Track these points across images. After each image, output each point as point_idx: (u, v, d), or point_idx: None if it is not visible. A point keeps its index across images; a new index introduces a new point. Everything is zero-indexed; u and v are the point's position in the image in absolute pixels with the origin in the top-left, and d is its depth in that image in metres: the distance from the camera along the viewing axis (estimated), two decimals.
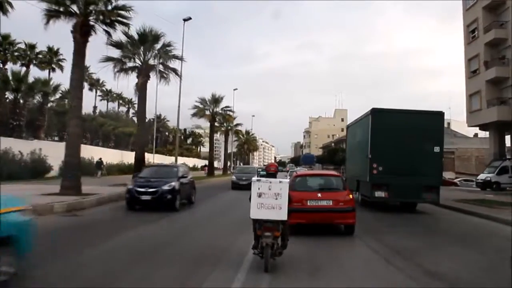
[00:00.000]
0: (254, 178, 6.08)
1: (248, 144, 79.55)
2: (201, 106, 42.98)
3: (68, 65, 50.86)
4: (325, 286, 5.31)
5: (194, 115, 42.16)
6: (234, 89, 53.29)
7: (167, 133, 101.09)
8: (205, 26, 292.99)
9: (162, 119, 77.88)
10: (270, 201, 5.79)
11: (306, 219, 8.72)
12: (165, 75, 23.81)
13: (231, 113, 45.94)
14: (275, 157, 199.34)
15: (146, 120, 41.18)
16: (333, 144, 75.66)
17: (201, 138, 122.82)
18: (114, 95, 65.47)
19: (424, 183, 13.57)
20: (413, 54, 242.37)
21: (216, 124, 56.16)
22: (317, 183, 9.87)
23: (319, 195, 9.00)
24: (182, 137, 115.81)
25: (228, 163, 58.35)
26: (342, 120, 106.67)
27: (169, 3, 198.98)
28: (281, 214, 5.79)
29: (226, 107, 45.36)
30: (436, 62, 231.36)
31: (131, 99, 69.98)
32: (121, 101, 68.35)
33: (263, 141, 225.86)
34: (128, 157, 39.79)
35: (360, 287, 5.34)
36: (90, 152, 37.29)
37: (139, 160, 22.73)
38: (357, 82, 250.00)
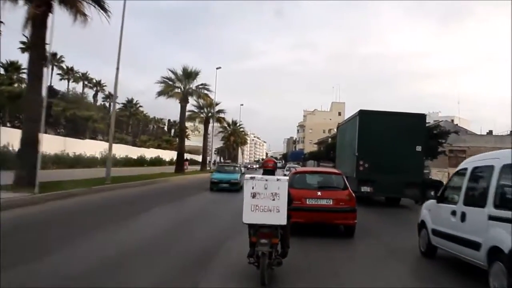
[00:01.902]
0: (248, 176, 5.21)
1: (234, 136, 69.41)
2: (169, 82, 33.32)
3: None
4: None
5: (160, 94, 32.60)
6: (217, 68, 43.54)
7: (151, 125, 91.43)
8: (201, 24, 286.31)
9: (134, 104, 67.07)
10: (266, 202, 5.03)
11: (305, 218, 8.14)
12: (79, 6, 13.94)
13: (207, 92, 35.95)
14: (266, 153, 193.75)
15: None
16: (330, 139, 66.52)
17: (187, 130, 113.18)
18: (78, 74, 55.08)
19: (406, 180, 14.49)
20: (412, 55, 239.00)
21: (194, 109, 46.65)
22: (317, 180, 9.40)
23: (319, 193, 8.58)
24: (166, 128, 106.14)
25: (210, 158, 48.77)
26: (340, 114, 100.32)
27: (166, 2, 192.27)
28: (280, 218, 5.04)
29: (202, 84, 35.53)
30: (437, 63, 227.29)
31: (100, 80, 59.82)
32: (87, 82, 57.95)
33: (254, 137, 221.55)
34: (76, 146, 30.38)
35: (361, 287, 5.36)
36: (12, 137, 27.23)
37: (28, 142, 12.97)
38: (353, 82, 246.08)
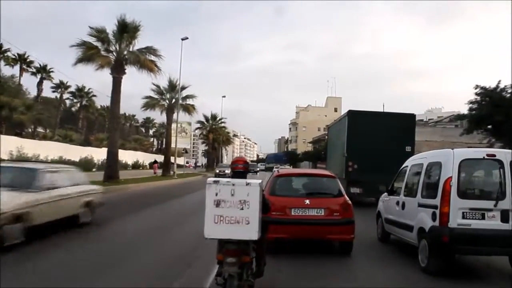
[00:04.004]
0: (211, 179, 4.33)
1: (214, 134, 57.18)
2: (93, 43, 21.40)
3: None
4: None
5: (79, 61, 20.75)
6: (183, 39, 34.30)
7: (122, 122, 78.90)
8: (191, 24, 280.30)
9: (86, 93, 53.92)
10: (233, 212, 4.11)
11: (289, 233, 6.98)
12: None
13: (154, 59, 23.87)
14: (257, 155, 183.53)
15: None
16: (327, 136, 55.04)
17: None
18: (11, 55, 42.50)
19: None
20: (407, 54, 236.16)
21: (153, 95, 34.94)
22: (305, 185, 7.96)
23: (307, 201, 7.16)
24: (143, 129, 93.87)
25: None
26: (336, 110, 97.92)
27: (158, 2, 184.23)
28: (250, 231, 4.13)
29: (146, 48, 23.49)
30: (427, 62, 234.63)
31: (45, 65, 47.65)
32: (26, 66, 45.42)
33: (245, 138, 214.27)
34: None
35: (360, 287, 5.69)
36: None
37: None
38: (347, 81, 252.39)
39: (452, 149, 6.36)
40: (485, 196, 6.08)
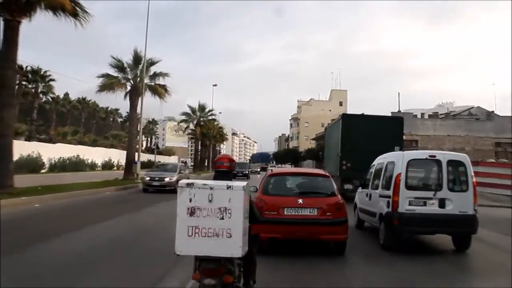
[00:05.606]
0: (184, 182, 3.57)
1: (203, 128, 48.32)
2: None
3: None
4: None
5: None
6: None
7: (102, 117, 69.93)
8: (191, 25, 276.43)
9: (42, 76, 44.03)
10: (211, 222, 3.39)
11: (282, 233, 7.01)
12: None
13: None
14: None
15: None
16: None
17: (156, 126, 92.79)
18: None
19: None
20: (406, 53, 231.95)
21: (112, 73, 26.93)
22: (298, 185, 8.03)
23: (300, 201, 7.13)
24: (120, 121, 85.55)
25: (138, 157, 27.73)
26: (341, 104, 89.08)
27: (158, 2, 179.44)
28: (232, 247, 3.41)
29: None
30: (430, 61, 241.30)
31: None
32: None
33: (244, 136, 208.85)
34: None
35: (359, 287, 5.77)
36: None
37: None
38: (347, 80, 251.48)
39: (403, 151, 8.90)
40: (426, 187, 8.09)
